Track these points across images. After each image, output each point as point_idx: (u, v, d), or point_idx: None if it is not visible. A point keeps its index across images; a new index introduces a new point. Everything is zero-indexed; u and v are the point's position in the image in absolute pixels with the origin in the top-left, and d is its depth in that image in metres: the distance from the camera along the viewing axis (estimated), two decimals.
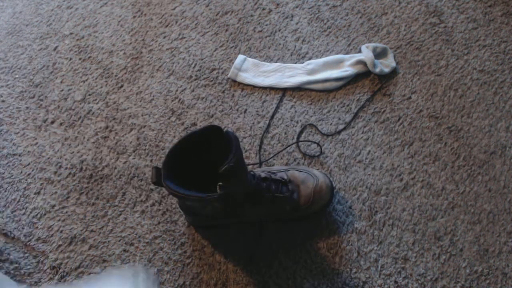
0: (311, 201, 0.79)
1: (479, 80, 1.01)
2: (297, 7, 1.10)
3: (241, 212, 0.75)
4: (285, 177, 0.79)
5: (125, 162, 0.90)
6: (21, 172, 0.90)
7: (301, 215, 0.81)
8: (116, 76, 1.00)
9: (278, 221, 0.82)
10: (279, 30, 1.06)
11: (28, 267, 0.80)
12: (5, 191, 0.88)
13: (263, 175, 0.77)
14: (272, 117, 0.95)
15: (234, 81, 0.99)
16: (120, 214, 0.85)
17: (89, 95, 0.98)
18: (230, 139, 0.63)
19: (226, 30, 1.06)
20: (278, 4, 1.10)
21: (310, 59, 1.03)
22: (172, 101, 0.97)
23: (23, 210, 0.86)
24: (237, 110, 0.96)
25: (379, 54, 1.01)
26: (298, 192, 0.79)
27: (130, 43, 1.04)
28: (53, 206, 0.86)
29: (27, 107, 0.96)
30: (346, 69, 0.99)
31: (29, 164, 0.90)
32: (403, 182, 0.89)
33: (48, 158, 0.91)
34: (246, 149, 0.92)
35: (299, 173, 0.81)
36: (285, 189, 0.78)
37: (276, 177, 0.78)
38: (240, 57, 1.01)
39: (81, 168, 0.90)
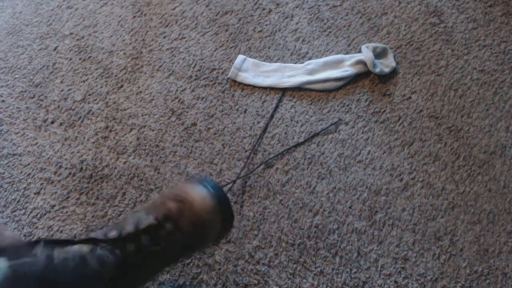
0: (200, 233, 0.61)
1: (479, 80, 1.01)
2: (297, 7, 1.10)
3: None
4: (159, 215, 0.59)
5: (125, 162, 0.90)
6: (21, 172, 0.90)
7: (204, 247, 0.66)
8: (116, 76, 1.00)
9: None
10: (279, 30, 1.06)
11: None
12: (5, 191, 0.88)
13: (129, 228, 0.58)
14: (271, 117, 0.95)
15: (234, 81, 0.99)
16: (120, 214, 0.85)
17: (89, 95, 0.98)
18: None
19: (226, 30, 1.06)
20: (278, 4, 1.10)
21: (310, 59, 1.03)
22: (172, 101, 0.97)
23: (23, 210, 0.86)
24: (237, 110, 0.96)
25: (379, 54, 1.01)
26: (180, 229, 0.59)
27: (130, 43, 1.04)
28: (53, 206, 0.86)
29: (27, 107, 0.96)
30: (346, 69, 0.99)
31: (29, 164, 0.90)
32: (403, 182, 0.89)
33: (48, 158, 0.91)
34: (246, 149, 0.92)
35: (174, 202, 0.61)
36: (163, 233, 0.59)
37: (147, 221, 0.59)
38: (240, 57, 1.01)
39: (81, 168, 0.90)
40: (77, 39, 1.05)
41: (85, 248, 0.54)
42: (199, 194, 0.61)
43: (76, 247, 0.53)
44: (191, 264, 0.81)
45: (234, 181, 0.88)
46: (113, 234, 0.57)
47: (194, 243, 0.62)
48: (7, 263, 0.46)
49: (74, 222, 0.85)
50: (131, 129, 0.94)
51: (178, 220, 0.59)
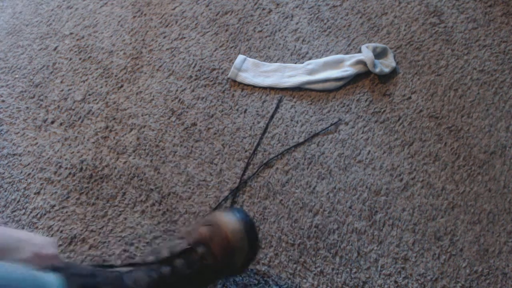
0: (230, 256, 0.66)
1: (479, 80, 1.01)
2: (297, 7, 1.10)
3: None
4: (191, 240, 0.65)
5: (125, 162, 0.90)
6: (21, 172, 0.90)
7: (234, 271, 0.70)
8: (116, 76, 1.00)
9: None
10: (279, 30, 1.06)
11: None
12: (5, 191, 0.88)
13: (164, 254, 0.64)
14: (271, 118, 0.95)
15: (234, 81, 0.99)
16: (120, 214, 0.85)
17: (89, 95, 0.98)
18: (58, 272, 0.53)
19: (226, 30, 1.06)
20: (278, 4, 1.10)
21: (310, 59, 1.03)
22: (172, 101, 0.97)
23: (23, 210, 0.86)
24: (237, 110, 0.96)
25: (379, 54, 1.01)
26: (211, 253, 0.65)
27: (130, 43, 1.04)
28: (53, 206, 0.86)
29: (27, 107, 0.96)
30: (346, 69, 0.99)
31: (29, 164, 0.90)
32: (403, 182, 0.89)
33: (48, 158, 0.91)
34: (246, 149, 0.92)
35: (206, 227, 0.67)
36: (195, 257, 0.64)
37: (181, 247, 0.65)
38: (240, 57, 1.01)
39: (81, 168, 0.90)
40: (77, 39, 1.05)
41: (124, 269, 0.61)
42: (227, 219, 0.67)
43: (116, 269, 0.60)
44: None
45: (238, 186, 0.88)
46: (150, 259, 0.63)
47: (224, 266, 0.66)
48: (61, 266, 0.54)
49: (74, 222, 0.85)
50: (131, 129, 0.94)
51: (210, 243, 0.65)
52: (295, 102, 0.97)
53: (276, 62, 1.02)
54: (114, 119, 0.95)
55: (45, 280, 0.51)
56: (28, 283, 0.50)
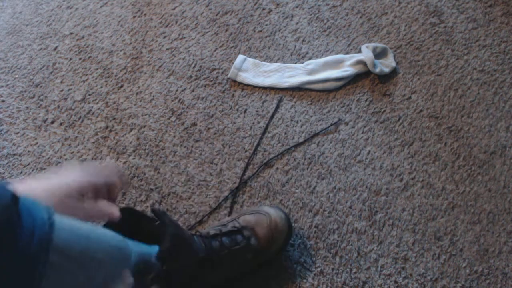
0: (272, 240, 0.75)
1: (479, 80, 1.01)
2: (297, 7, 1.10)
3: (198, 284, 0.70)
4: (237, 224, 0.75)
5: (125, 162, 0.90)
6: (21, 172, 0.90)
7: (264, 259, 0.77)
8: (116, 76, 1.00)
9: (242, 277, 0.77)
10: (279, 30, 1.06)
11: None
12: None
13: (212, 232, 0.73)
14: (271, 118, 0.95)
15: (234, 81, 0.99)
16: None
17: (89, 95, 0.98)
18: (159, 216, 0.59)
19: (226, 30, 1.06)
20: (278, 4, 1.10)
21: (310, 59, 1.03)
22: (172, 101, 0.97)
23: None
24: (237, 110, 0.96)
25: (379, 54, 1.01)
26: (256, 236, 0.74)
27: (130, 43, 1.04)
28: None
29: (27, 107, 0.96)
30: (346, 69, 0.99)
31: (29, 164, 0.90)
32: (403, 182, 0.89)
33: (48, 158, 0.91)
34: (246, 149, 0.92)
35: (250, 215, 0.77)
36: (240, 237, 0.73)
37: (228, 228, 0.74)
38: (240, 57, 1.01)
39: None
40: (77, 39, 1.05)
41: (192, 234, 0.70)
42: (273, 210, 0.78)
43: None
44: None
45: (238, 186, 0.88)
46: (203, 232, 0.73)
47: (264, 248, 0.75)
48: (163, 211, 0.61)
49: None
50: (131, 129, 0.94)
51: (255, 228, 0.75)
52: (295, 102, 0.97)
53: (276, 62, 1.02)
54: (114, 119, 0.95)
55: (114, 245, 0.56)
56: (104, 249, 0.55)
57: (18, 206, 0.44)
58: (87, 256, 0.52)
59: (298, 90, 0.99)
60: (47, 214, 0.47)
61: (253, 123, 0.94)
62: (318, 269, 0.81)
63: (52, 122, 0.95)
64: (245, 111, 0.96)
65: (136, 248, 0.60)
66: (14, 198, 0.44)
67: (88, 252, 0.52)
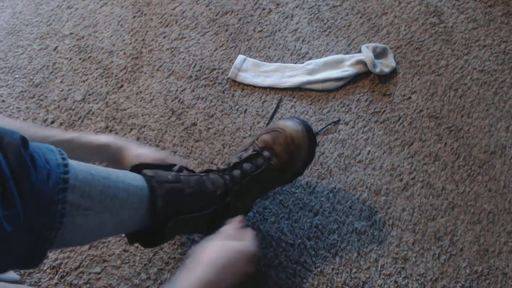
0: (292, 155, 0.74)
1: (479, 80, 1.01)
2: (297, 7, 1.10)
3: (229, 211, 0.71)
4: (256, 147, 0.74)
5: None
6: None
7: (293, 173, 0.77)
8: (116, 76, 1.00)
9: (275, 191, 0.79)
10: (279, 30, 1.06)
11: None
12: None
13: (234, 161, 0.73)
14: (271, 118, 0.95)
15: (234, 81, 0.99)
16: None
17: (89, 95, 0.98)
18: (146, 181, 0.61)
19: (226, 30, 1.06)
20: (278, 4, 1.10)
21: (310, 59, 1.03)
22: (172, 101, 0.97)
23: None
24: (237, 110, 0.96)
25: (379, 54, 1.01)
26: (275, 155, 0.73)
27: (130, 43, 1.04)
28: None
29: (27, 107, 0.96)
30: (346, 69, 0.99)
31: None
32: (403, 182, 0.89)
33: None
34: None
35: (267, 134, 0.75)
36: (261, 160, 0.72)
37: (248, 153, 0.73)
38: (240, 57, 1.01)
39: None
40: (77, 39, 1.05)
41: (202, 174, 0.69)
42: (289, 122, 0.75)
43: (196, 175, 0.68)
44: None
45: None
46: (223, 166, 0.73)
47: (287, 164, 0.74)
48: (150, 175, 0.61)
49: None
50: (131, 129, 0.94)
51: (273, 146, 0.74)
52: (295, 102, 0.97)
53: (276, 62, 1.02)
54: (114, 119, 0.95)
55: (139, 186, 0.59)
56: (142, 187, 0.59)
57: (29, 149, 0.45)
58: (108, 195, 0.54)
59: (298, 90, 0.99)
60: (60, 157, 0.49)
61: (253, 123, 0.94)
62: (318, 269, 0.81)
63: (52, 122, 0.94)
64: (245, 111, 0.96)
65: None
66: (24, 141, 0.45)
67: (109, 192, 0.54)
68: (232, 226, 0.64)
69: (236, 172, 0.71)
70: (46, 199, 0.45)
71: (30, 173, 0.44)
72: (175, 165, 0.68)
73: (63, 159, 0.49)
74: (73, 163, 0.51)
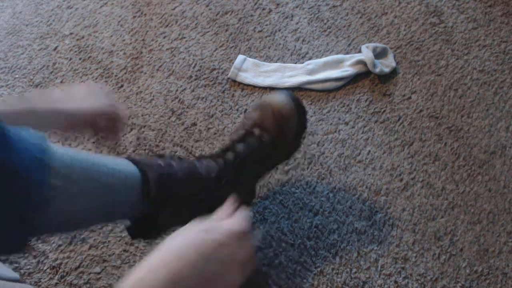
0: (281, 128, 0.72)
1: (479, 80, 1.01)
2: (297, 7, 1.10)
3: (225, 195, 0.66)
4: (246, 126, 0.72)
5: None
6: None
7: (286, 147, 0.75)
8: (116, 76, 1.00)
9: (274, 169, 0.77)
10: (279, 30, 1.06)
11: (28, 267, 0.80)
12: None
13: (226, 143, 0.72)
14: None
15: (234, 81, 0.99)
16: None
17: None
18: (136, 164, 0.58)
19: (226, 30, 1.06)
20: (278, 4, 1.10)
21: (310, 59, 1.03)
22: (172, 101, 0.97)
23: None
24: (237, 110, 0.96)
25: (379, 54, 1.01)
26: (265, 131, 0.71)
27: (130, 43, 1.04)
28: None
29: None
30: (346, 69, 0.99)
31: None
32: (403, 182, 0.89)
33: None
34: None
35: (255, 111, 0.74)
36: (252, 139, 0.71)
37: (240, 133, 0.71)
38: (240, 57, 1.01)
39: None
40: (77, 39, 1.05)
41: (194, 160, 0.67)
42: (275, 96, 0.73)
43: (188, 161, 0.66)
44: None
45: None
46: (216, 151, 0.71)
47: (278, 137, 0.72)
48: (137, 159, 0.59)
49: None
50: (131, 129, 0.94)
51: (262, 122, 0.72)
52: None
53: (276, 62, 1.02)
54: None
55: (126, 170, 0.56)
56: (133, 173, 0.57)
57: (5, 134, 0.44)
58: (92, 178, 0.52)
59: (298, 90, 0.99)
60: (40, 140, 0.47)
61: None
62: (318, 269, 0.81)
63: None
64: (245, 111, 0.96)
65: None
66: (3, 124, 0.43)
67: (93, 176, 0.52)
68: (221, 211, 0.52)
69: (229, 155, 0.69)
70: (24, 180, 0.44)
71: (11, 156, 0.42)
72: (165, 154, 0.66)
73: (44, 141, 0.47)
74: (57, 148, 0.49)
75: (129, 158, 0.60)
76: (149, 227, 0.61)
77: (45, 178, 0.46)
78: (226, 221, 0.48)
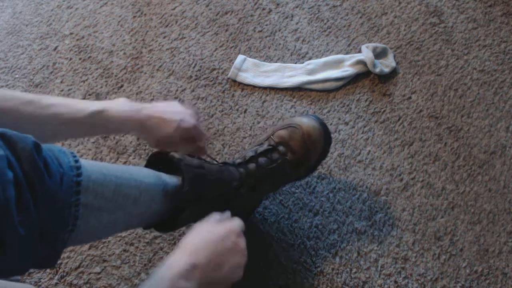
0: (308, 151, 0.76)
1: (479, 80, 1.01)
2: (297, 7, 1.10)
3: (241, 203, 0.73)
4: (272, 142, 0.76)
5: (125, 162, 0.90)
6: None
7: (307, 169, 0.78)
8: (116, 76, 1.00)
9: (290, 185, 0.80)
10: (279, 30, 1.06)
11: None
12: None
13: (249, 155, 0.74)
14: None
15: (234, 81, 0.99)
16: None
17: (89, 95, 0.98)
18: (175, 163, 0.61)
19: (226, 30, 1.06)
20: (278, 4, 1.10)
21: (310, 59, 1.03)
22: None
23: None
24: (237, 110, 0.96)
25: (379, 54, 1.01)
26: (291, 151, 0.75)
27: (130, 43, 1.04)
28: None
29: None
30: (346, 69, 0.99)
31: None
32: (403, 182, 0.89)
33: None
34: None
35: (283, 130, 0.77)
36: (276, 155, 0.74)
37: (264, 147, 0.75)
38: (240, 57, 1.01)
39: None
40: (77, 39, 1.05)
41: (221, 164, 0.70)
42: (305, 119, 0.78)
43: (216, 165, 0.69)
44: None
45: None
46: (239, 160, 0.73)
47: (302, 159, 0.76)
48: (178, 157, 0.62)
49: None
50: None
51: (289, 142, 0.76)
52: (295, 102, 0.97)
53: (276, 62, 1.02)
54: None
55: (150, 181, 0.59)
56: (154, 184, 0.59)
57: (42, 154, 0.45)
58: (121, 194, 0.54)
59: (298, 90, 0.99)
60: (73, 159, 0.49)
61: (253, 123, 0.94)
62: (318, 269, 0.81)
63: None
64: (245, 111, 0.96)
65: (172, 180, 0.63)
66: (36, 146, 0.45)
67: (121, 190, 0.54)
68: (217, 215, 0.62)
69: (251, 166, 0.72)
70: (60, 202, 0.46)
71: (44, 178, 0.44)
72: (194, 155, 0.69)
73: (76, 161, 0.49)
74: (85, 164, 0.51)
75: (170, 155, 0.63)
76: (170, 221, 0.64)
77: (78, 198, 0.48)
78: (226, 221, 0.58)
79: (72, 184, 0.47)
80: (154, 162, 0.66)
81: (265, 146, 0.75)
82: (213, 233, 0.55)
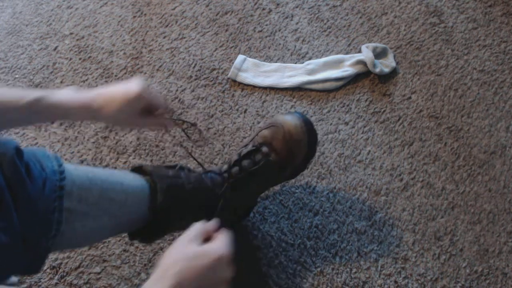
0: (291, 151, 0.72)
1: (479, 80, 1.01)
2: (297, 7, 1.10)
3: (228, 207, 0.70)
4: (255, 143, 0.73)
5: (125, 162, 0.90)
6: None
7: (294, 169, 0.75)
8: (116, 76, 1.00)
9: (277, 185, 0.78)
10: (279, 30, 1.06)
11: None
12: None
13: (234, 158, 0.72)
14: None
15: (234, 81, 0.99)
16: None
17: None
18: (149, 175, 0.61)
19: (226, 30, 1.06)
20: (278, 4, 1.10)
21: (310, 59, 1.03)
22: (172, 101, 0.97)
23: None
24: (237, 110, 0.96)
25: (379, 54, 1.01)
26: (274, 151, 0.72)
27: (130, 43, 1.04)
28: None
29: None
30: (346, 69, 0.99)
31: None
32: (403, 182, 0.89)
33: None
34: None
35: (266, 130, 0.74)
36: (259, 156, 0.71)
37: (248, 149, 0.72)
38: (240, 57, 1.01)
39: None
40: (77, 39, 1.05)
41: (201, 173, 0.69)
42: (289, 117, 0.74)
43: (195, 173, 0.68)
44: None
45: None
46: (225, 166, 0.72)
47: (286, 159, 0.73)
48: (150, 169, 0.62)
49: None
50: (131, 129, 0.94)
51: (272, 142, 0.72)
52: (295, 102, 0.97)
53: (276, 62, 1.02)
54: None
55: (136, 185, 0.58)
56: (142, 187, 0.58)
57: (24, 159, 0.45)
58: (106, 198, 0.53)
59: (298, 90, 0.99)
60: (57, 163, 0.49)
61: (253, 123, 0.94)
62: (318, 269, 0.81)
63: (52, 122, 0.95)
64: (245, 111, 0.96)
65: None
66: (18, 151, 0.44)
67: (107, 195, 0.54)
68: (203, 226, 0.54)
69: (235, 170, 0.71)
70: (42, 208, 0.45)
71: (26, 183, 0.43)
72: (176, 165, 0.68)
73: (60, 165, 0.48)
74: (70, 168, 0.50)
75: (142, 168, 0.62)
76: (150, 231, 0.63)
77: (61, 203, 0.47)
78: (213, 244, 0.50)
79: (55, 189, 0.46)
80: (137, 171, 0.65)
81: (249, 148, 0.73)
82: (200, 263, 0.47)
